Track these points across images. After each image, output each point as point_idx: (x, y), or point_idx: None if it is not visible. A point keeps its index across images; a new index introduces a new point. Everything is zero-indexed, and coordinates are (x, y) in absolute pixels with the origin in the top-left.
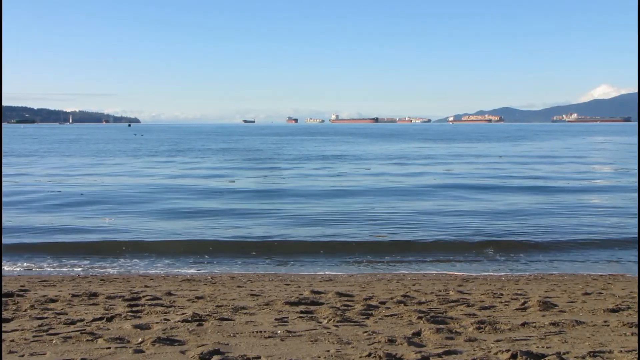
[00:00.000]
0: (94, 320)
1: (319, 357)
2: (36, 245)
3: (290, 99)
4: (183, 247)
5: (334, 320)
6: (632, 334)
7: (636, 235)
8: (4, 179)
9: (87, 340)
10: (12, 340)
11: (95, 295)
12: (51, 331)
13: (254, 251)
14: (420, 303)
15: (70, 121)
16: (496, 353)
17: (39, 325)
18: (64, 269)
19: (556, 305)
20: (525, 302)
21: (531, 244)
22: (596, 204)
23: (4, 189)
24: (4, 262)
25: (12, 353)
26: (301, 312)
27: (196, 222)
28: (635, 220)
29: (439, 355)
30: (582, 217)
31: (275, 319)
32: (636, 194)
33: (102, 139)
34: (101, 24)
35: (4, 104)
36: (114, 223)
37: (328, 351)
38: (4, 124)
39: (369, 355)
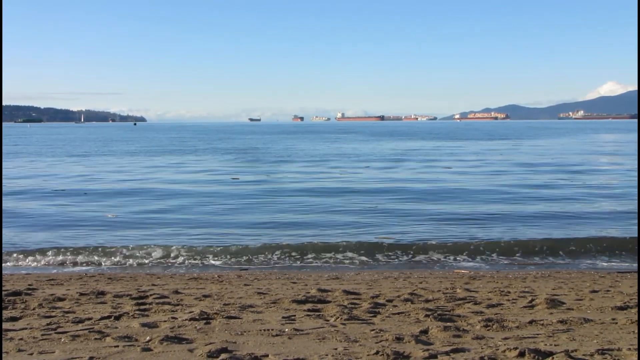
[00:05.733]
0: (102, 318)
1: (327, 355)
2: (43, 244)
3: (296, 97)
4: (189, 245)
5: (341, 319)
6: None
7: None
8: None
9: (95, 338)
10: (21, 339)
11: (102, 293)
12: (59, 329)
13: (263, 250)
14: (427, 301)
15: (82, 120)
16: (504, 351)
17: (47, 324)
18: (71, 268)
19: (564, 303)
20: (532, 300)
21: (536, 240)
22: (603, 200)
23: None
24: (11, 260)
25: (21, 351)
26: (308, 310)
27: (202, 219)
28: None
29: (447, 353)
30: (589, 213)
31: (283, 317)
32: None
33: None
34: (107, 22)
35: (10, 103)
36: (119, 219)
37: (336, 349)
38: (12, 123)
39: (377, 353)
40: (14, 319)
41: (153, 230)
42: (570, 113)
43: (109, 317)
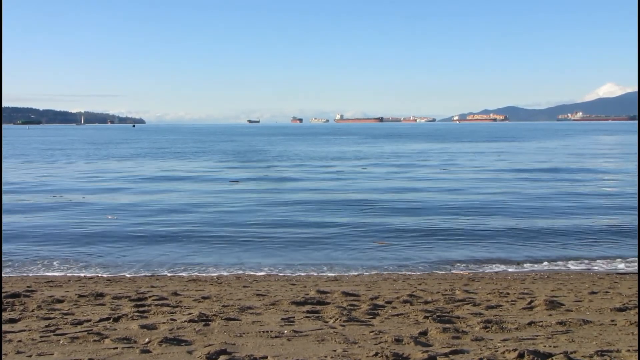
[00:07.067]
0: (101, 320)
1: (326, 356)
2: (42, 245)
3: (294, 98)
4: (188, 247)
5: (340, 320)
6: None
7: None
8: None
9: (94, 340)
10: (20, 341)
11: (101, 295)
12: (58, 331)
13: (259, 250)
14: (426, 302)
15: (82, 122)
16: (503, 352)
17: (46, 326)
18: (70, 270)
19: (563, 305)
20: (531, 302)
21: (536, 242)
22: (603, 202)
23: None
24: (10, 262)
25: (20, 353)
26: (307, 311)
27: (200, 220)
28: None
29: (446, 354)
30: (588, 214)
31: (282, 319)
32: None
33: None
34: (106, 23)
35: (9, 104)
36: (117, 221)
37: (335, 351)
38: (10, 125)
39: (376, 354)
40: (12, 321)
41: (155, 230)
42: (569, 115)
43: (107, 318)
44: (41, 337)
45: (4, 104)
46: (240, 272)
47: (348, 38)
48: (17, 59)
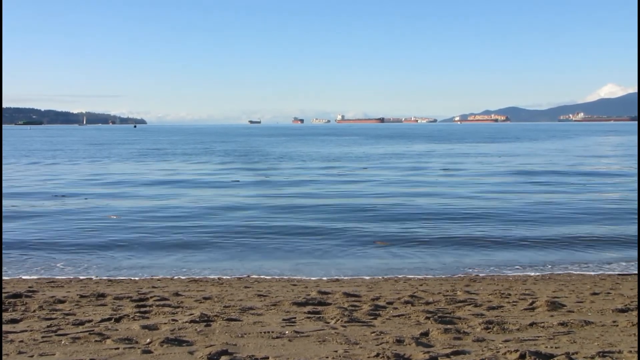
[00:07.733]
0: (102, 320)
1: (327, 357)
2: (44, 246)
3: (295, 99)
4: (188, 248)
5: (341, 321)
6: None
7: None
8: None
9: (96, 340)
10: (22, 341)
11: (103, 296)
12: (60, 332)
13: (260, 252)
14: (427, 303)
15: (85, 122)
16: (504, 353)
17: (48, 326)
18: (72, 270)
19: (564, 305)
20: (533, 302)
21: (536, 243)
22: (603, 204)
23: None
24: (12, 263)
25: (22, 353)
26: (309, 312)
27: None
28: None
29: (447, 355)
30: (589, 216)
31: (283, 320)
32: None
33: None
34: (107, 25)
35: (11, 105)
36: (119, 222)
37: (336, 351)
38: (12, 126)
39: (377, 355)
40: (14, 321)
41: (156, 230)
42: (571, 115)
43: (109, 319)
44: (43, 337)
45: (6, 105)
46: (241, 273)
47: (348, 38)
48: (17, 59)
